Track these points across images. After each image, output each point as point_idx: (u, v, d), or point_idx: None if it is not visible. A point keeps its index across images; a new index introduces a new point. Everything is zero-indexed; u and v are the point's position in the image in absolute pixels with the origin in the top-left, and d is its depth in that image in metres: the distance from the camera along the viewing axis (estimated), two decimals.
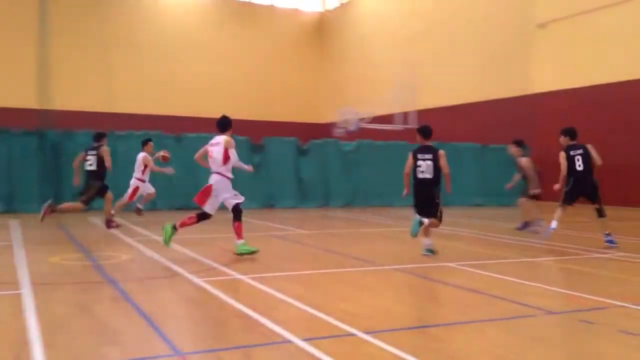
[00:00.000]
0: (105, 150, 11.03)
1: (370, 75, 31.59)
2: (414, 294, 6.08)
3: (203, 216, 8.15)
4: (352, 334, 4.39)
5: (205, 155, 8.39)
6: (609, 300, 5.66)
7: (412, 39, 28.82)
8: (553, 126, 21.67)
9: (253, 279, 6.49)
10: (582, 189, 9.54)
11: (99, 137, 11.27)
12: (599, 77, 20.18)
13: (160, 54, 32.04)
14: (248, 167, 8.89)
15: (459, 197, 19.75)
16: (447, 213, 16.72)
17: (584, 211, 16.57)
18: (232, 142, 8.18)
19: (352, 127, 25.61)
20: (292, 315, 5.08)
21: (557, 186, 9.65)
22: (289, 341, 4.19)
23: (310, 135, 25.37)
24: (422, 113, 26.27)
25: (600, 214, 9.56)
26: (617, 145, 19.37)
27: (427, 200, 8.48)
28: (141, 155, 12.22)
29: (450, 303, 5.70)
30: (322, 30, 36.80)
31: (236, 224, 8.00)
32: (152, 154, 12.33)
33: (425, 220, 8.36)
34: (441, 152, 8.44)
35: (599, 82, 20.18)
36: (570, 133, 9.88)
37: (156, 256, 8.06)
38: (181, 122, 29.28)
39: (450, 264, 7.75)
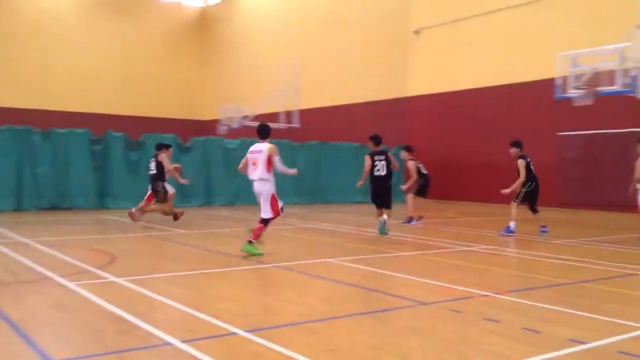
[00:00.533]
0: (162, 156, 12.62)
1: (254, 72, 31.55)
2: (296, 291, 6.18)
3: (265, 221, 8.36)
4: (234, 333, 4.38)
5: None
6: (474, 290, 6.09)
7: (297, 38, 29.19)
8: (421, 128, 23.01)
9: (130, 281, 6.26)
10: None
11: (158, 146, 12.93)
12: (464, 83, 21.59)
13: (33, 45, 30.09)
14: (293, 171, 8.96)
15: (339, 195, 20.35)
16: (327, 210, 17.16)
17: (452, 207, 17.69)
18: (276, 149, 8.42)
19: (235, 125, 25.42)
20: (172, 317, 4.97)
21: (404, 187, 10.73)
22: (168, 343, 4.11)
23: (193, 132, 24.89)
24: (305, 112, 26.65)
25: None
26: (474, 145, 20.86)
27: (383, 192, 10.69)
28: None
29: (331, 298, 5.85)
30: (205, 25, 36.16)
31: (259, 226, 8.26)
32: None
33: (385, 217, 10.42)
34: (389, 153, 10.80)
35: (464, 87, 21.60)
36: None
37: (24, 259, 7.53)
38: (52, 116, 27.60)
39: (330, 260, 7.95)
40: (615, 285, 6.57)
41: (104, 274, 6.66)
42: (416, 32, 23.55)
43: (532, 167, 11.33)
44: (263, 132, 8.61)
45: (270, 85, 28.36)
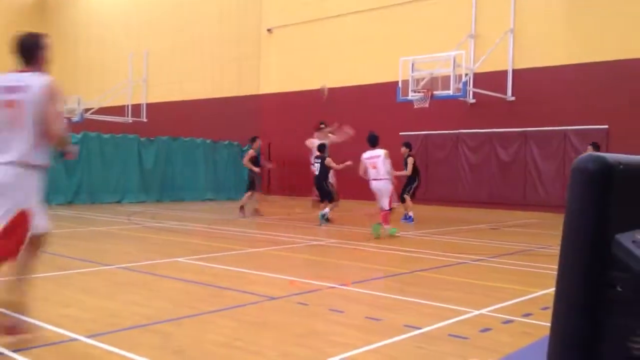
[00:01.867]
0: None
1: (99, 63, 29.81)
2: (141, 292, 5.97)
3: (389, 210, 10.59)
4: (74, 339, 4.15)
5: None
6: (321, 283, 6.33)
7: (146, 28, 28.06)
8: (275, 125, 23.33)
9: None
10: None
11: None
12: (315, 82, 22.19)
13: None
14: (404, 172, 12.70)
15: (190, 192, 19.95)
16: (177, 208, 16.76)
17: (302, 203, 18.12)
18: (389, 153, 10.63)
19: (76, 118, 23.84)
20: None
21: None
22: (0, 354, 3.78)
23: None
24: (153, 106, 25.75)
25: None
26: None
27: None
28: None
29: (180, 298, 5.75)
30: (45, 11, 33.36)
31: (385, 212, 10.47)
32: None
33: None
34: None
35: (315, 87, 22.21)
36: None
37: None
38: None
39: (179, 259, 7.79)
40: (447, 274, 7.19)
41: None
42: (269, 31, 23.77)
43: (417, 166, 13.45)
44: (374, 140, 10.77)
45: (116, 77, 27.00)
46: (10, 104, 4.05)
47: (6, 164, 3.97)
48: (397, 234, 10.55)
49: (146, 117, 25.64)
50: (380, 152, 10.50)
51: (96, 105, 24.64)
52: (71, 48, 32.05)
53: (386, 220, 10.49)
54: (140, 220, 13.00)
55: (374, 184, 10.54)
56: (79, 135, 17.84)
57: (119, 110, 25.82)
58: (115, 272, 7.00)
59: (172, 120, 25.18)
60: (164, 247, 9.28)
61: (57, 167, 17.01)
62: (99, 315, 4.98)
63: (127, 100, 25.74)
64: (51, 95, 4.06)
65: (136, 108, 25.72)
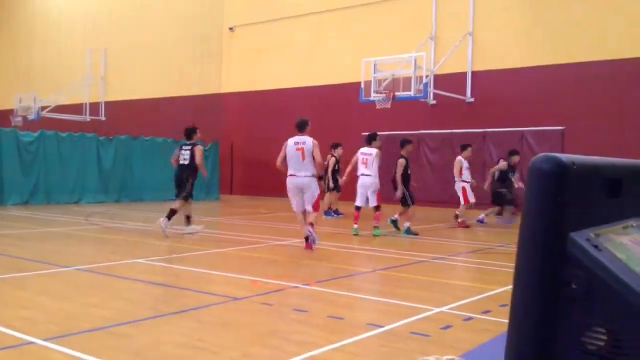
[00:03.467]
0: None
1: (56, 59, 29.09)
2: (100, 294, 5.86)
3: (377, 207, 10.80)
4: (30, 343, 4.04)
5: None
6: (285, 283, 6.32)
7: (105, 24, 27.49)
8: (237, 124, 23.20)
9: None
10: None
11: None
12: (277, 82, 22.17)
13: None
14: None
15: (150, 192, 19.64)
16: (137, 208, 16.48)
17: (265, 203, 18.09)
18: (380, 153, 11.08)
19: (32, 116, 23.22)
20: None
21: None
22: None
23: None
24: (111, 105, 25.28)
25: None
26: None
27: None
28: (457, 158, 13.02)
29: (140, 299, 5.66)
30: (1, 6, 32.36)
31: (377, 212, 10.71)
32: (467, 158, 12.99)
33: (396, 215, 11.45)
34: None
35: (277, 86, 22.19)
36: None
37: None
38: None
39: (139, 260, 7.67)
40: (408, 272, 7.27)
41: None
42: (231, 29, 23.60)
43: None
44: (371, 138, 11.11)
45: (74, 74, 26.42)
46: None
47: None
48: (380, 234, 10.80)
49: (105, 116, 25.15)
50: (372, 151, 10.88)
51: (52, 103, 24.04)
52: (26, 43, 31.20)
53: (377, 219, 10.77)
54: (99, 221, 12.75)
55: (362, 179, 10.86)
56: (35, 134, 17.39)
57: (77, 108, 25.26)
58: (73, 274, 6.85)
59: (131, 119, 24.75)
60: (124, 248, 9.12)
61: (13, 167, 16.55)
62: (57, 317, 4.87)
63: (84, 98, 25.20)
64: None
65: (94, 106, 25.20)
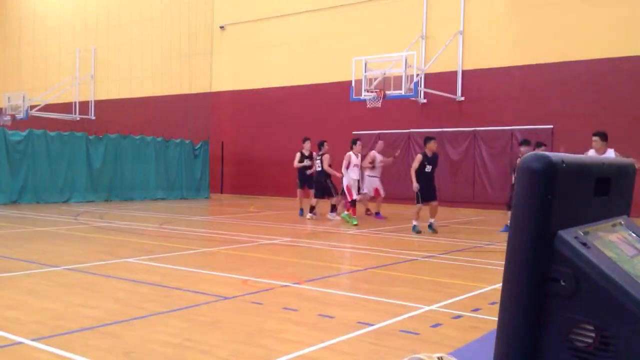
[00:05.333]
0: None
1: (45, 58, 28.86)
2: (90, 294, 5.82)
3: (353, 203, 12.54)
4: (18, 343, 4.01)
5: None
6: (275, 282, 6.31)
7: (94, 22, 27.31)
8: (228, 123, 23.14)
9: None
10: None
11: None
12: (267, 81, 22.14)
13: None
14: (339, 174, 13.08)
15: (140, 191, 19.57)
16: (127, 208, 16.41)
17: (254, 202, 18.05)
18: (348, 155, 12.81)
19: (21, 115, 23.04)
20: None
21: None
22: None
23: None
24: (101, 104, 25.14)
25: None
26: (278, 142, 21.52)
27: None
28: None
29: (129, 299, 5.63)
30: None
31: (348, 204, 12.60)
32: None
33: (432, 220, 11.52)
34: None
35: (268, 85, 22.15)
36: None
37: None
38: None
39: (129, 260, 7.63)
40: (398, 270, 7.29)
41: None
42: (222, 28, 23.52)
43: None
44: (354, 141, 12.96)
45: (63, 73, 26.25)
46: None
47: None
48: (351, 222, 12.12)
49: (94, 115, 25.00)
50: (351, 153, 12.85)
51: (42, 102, 23.88)
52: (15, 42, 30.96)
53: (348, 209, 12.64)
54: (88, 220, 12.67)
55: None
56: (24, 133, 17.26)
57: (66, 107, 25.11)
58: (62, 274, 6.80)
59: (121, 118, 24.63)
60: (113, 247, 9.07)
61: (1, 166, 16.43)
62: (45, 317, 4.83)
63: (74, 97, 25.04)
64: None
65: (84, 105, 25.05)
